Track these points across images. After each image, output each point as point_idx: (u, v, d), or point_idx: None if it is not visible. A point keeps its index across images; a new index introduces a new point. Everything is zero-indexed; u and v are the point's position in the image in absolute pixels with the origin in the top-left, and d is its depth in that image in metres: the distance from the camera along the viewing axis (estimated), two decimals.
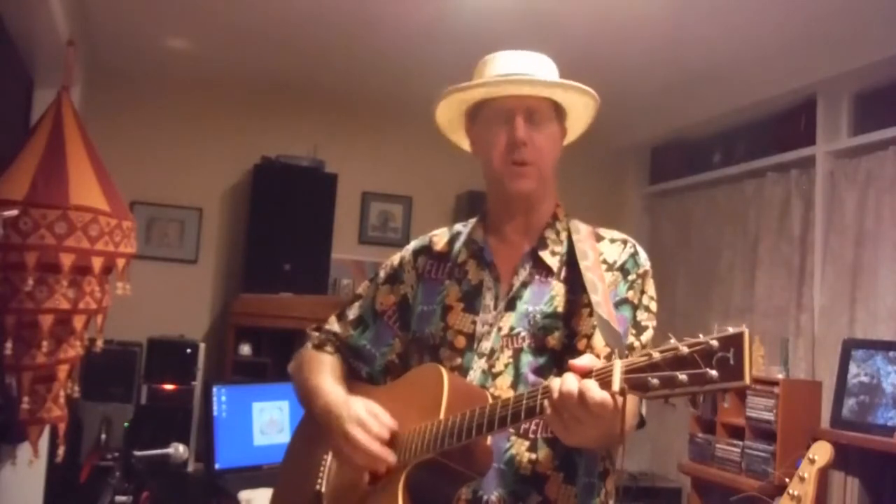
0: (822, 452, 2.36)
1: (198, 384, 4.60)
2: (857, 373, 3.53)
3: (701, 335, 1.13)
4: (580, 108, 1.59)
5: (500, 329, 1.53)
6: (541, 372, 1.48)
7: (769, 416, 3.78)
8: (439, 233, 1.73)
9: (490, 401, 1.39)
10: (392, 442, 1.46)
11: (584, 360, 1.26)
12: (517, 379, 1.49)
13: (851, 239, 3.99)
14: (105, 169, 3.24)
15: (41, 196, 2.96)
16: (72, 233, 2.96)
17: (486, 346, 1.53)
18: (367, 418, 1.45)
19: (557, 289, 1.54)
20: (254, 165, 5.16)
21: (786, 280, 4.42)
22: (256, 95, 5.33)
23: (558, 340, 1.50)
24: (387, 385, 1.67)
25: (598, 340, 1.46)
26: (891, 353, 3.45)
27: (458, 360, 1.53)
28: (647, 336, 1.51)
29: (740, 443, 3.92)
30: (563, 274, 1.55)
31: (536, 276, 1.55)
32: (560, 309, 1.52)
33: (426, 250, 1.69)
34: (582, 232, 1.59)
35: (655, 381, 1.14)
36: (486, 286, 1.58)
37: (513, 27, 3.81)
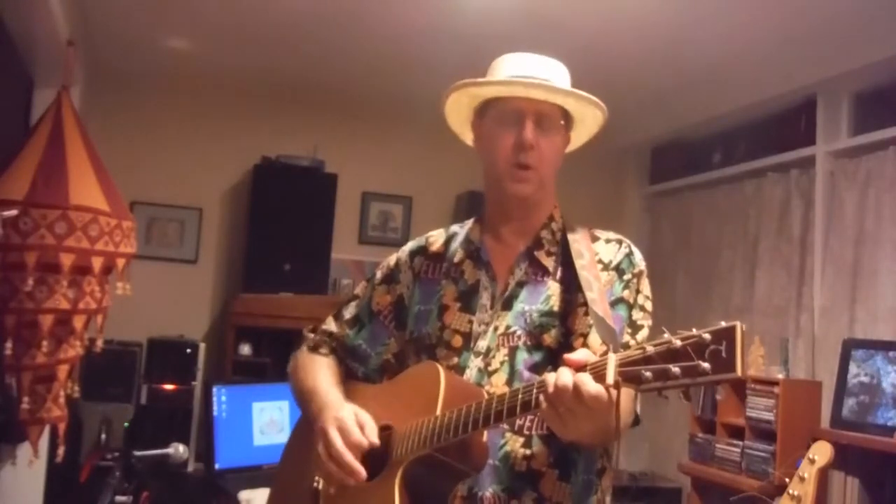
0: (822, 452, 2.36)
1: (198, 384, 4.60)
2: (857, 373, 3.53)
3: (694, 329, 1.15)
4: (588, 120, 1.61)
5: (496, 328, 1.54)
6: (536, 369, 1.49)
7: (769, 416, 3.78)
8: (436, 233, 1.74)
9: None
10: (388, 437, 1.47)
11: (579, 355, 1.27)
12: (512, 376, 1.50)
13: (851, 239, 3.98)
14: (105, 169, 3.24)
15: (41, 196, 2.96)
16: (72, 233, 2.96)
17: (482, 344, 1.54)
18: (349, 425, 1.45)
19: (553, 288, 1.55)
20: (254, 165, 5.16)
21: (786, 280, 4.42)
22: (256, 95, 5.33)
23: (554, 339, 1.50)
24: (384, 383, 1.68)
25: (595, 339, 1.47)
26: (891, 353, 3.44)
27: (455, 359, 1.54)
28: (642, 335, 1.52)
29: (740, 443, 3.92)
30: (558, 274, 1.56)
31: (532, 276, 1.56)
32: (556, 308, 1.52)
33: (422, 251, 1.70)
34: (577, 232, 1.60)
35: (649, 374, 1.16)
36: (482, 285, 1.59)
37: (513, 27, 3.81)
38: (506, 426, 1.47)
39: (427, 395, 1.43)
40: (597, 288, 1.45)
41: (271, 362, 4.81)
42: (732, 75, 4.41)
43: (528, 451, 1.48)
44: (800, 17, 3.66)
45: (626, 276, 1.55)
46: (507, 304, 1.55)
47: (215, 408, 3.34)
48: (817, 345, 4.08)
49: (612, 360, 1.20)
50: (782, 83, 4.26)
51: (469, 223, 1.69)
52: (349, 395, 1.61)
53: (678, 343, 1.14)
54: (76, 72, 3.58)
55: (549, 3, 3.66)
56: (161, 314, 4.91)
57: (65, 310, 3.00)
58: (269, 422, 3.42)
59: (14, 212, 2.85)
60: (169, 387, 4.58)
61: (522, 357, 1.51)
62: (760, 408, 3.83)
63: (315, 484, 1.60)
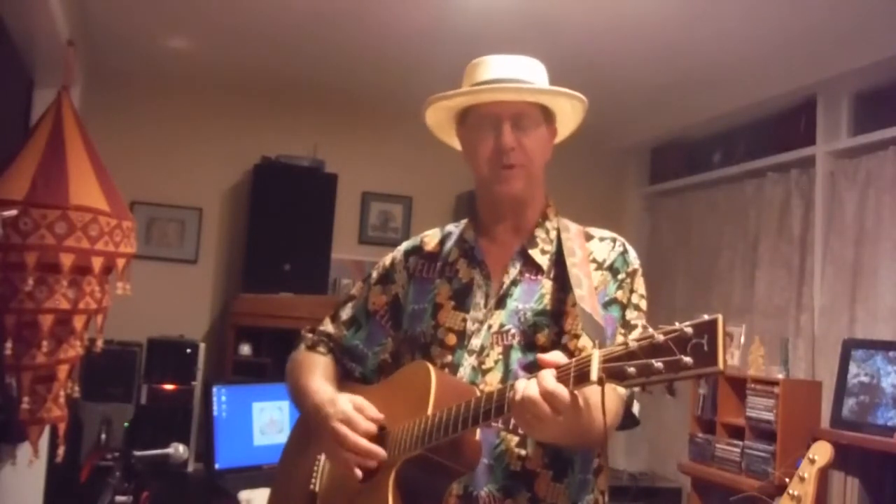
0: (822, 452, 2.36)
1: (198, 384, 4.60)
2: (857, 373, 3.53)
3: (677, 322, 1.14)
4: (568, 111, 1.60)
5: (490, 326, 1.54)
6: (530, 369, 1.48)
7: (769, 416, 3.78)
8: (431, 233, 1.74)
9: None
10: (382, 439, 1.46)
11: (554, 356, 1.27)
12: (507, 375, 1.50)
13: (851, 239, 3.98)
14: (105, 169, 3.24)
15: (41, 196, 2.96)
16: (72, 233, 2.95)
17: (476, 343, 1.54)
18: (353, 415, 1.46)
19: (547, 287, 1.55)
20: (254, 165, 5.16)
21: (786, 280, 4.42)
22: (256, 95, 5.33)
23: (548, 338, 1.50)
24: (377, 384, 1.68)
25: (587, 340, 1.46)
26: (891, 353, 3.44)
27: (449, 358, 1.54)
28: (636, 334, 1.51)
29: (740, 443, 3.92)
30: (552, 272, 1.56)
31: (526, 275, 1.56)
32: (549, 307, 1.52)
33: (417, 250, 1.71)
34: (571, 230, 1.60)
35: (632, 370, 1.15)
36: (476, 284, 1.59)
37: (513, 27, 3.81)
38: (501, 425, 1.47)
39: (418, 394, 1.43)
40: (586, 285, 1.45)
41: (271, 362, 4.80)
42: (732, 75, 4.41)
43: (523, 451, 1.47)
44: (800, 17, 3.66)
45: (621, 276, 1.55)
46: (501, 303, 1.55)
47: (215, 408, 3.33)
48: (817, 345, 4.09)
49: (596, 356, 1.20)
50: (782, 83, 4.26)
51: (464, 223, 1.70)
52: None
53: (661, 338, 1.14)
54: (76, 72, 3.58)
55: (549, 3, 3.66)
56: (161, 314, 4.91)
57: (65, 310, 2.99)
58: (269, 422, 3.42)
59: (14, 212, 2.85)
60: (169, 387, 4.58)
61: (517, 357, 1.51)
62: (760, 408, 3.83)
63: (311, 486, 1.60)
